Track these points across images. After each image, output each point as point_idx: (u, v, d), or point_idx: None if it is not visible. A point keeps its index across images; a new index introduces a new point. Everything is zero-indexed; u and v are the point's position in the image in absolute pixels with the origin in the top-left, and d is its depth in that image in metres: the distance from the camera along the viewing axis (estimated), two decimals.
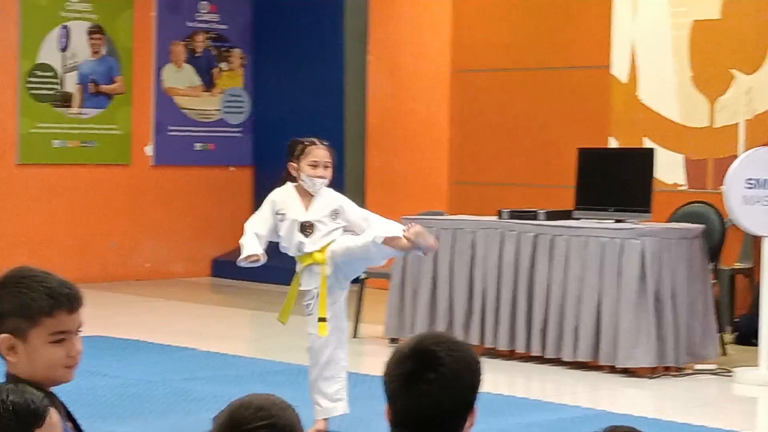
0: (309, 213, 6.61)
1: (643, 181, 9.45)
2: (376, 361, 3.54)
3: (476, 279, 9.50)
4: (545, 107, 12.17)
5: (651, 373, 8.82)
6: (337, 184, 14.07)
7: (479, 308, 9.46)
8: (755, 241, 9.64)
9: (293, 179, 6.77)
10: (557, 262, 9.11)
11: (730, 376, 8.85)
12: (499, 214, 9.64)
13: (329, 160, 7.13)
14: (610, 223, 9.15)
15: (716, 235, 9.87)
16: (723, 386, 8.78)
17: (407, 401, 3.08)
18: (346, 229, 6.84)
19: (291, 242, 6.70)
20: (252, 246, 6.68)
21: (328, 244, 6.73)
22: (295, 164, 6.65)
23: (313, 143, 6.65)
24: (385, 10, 13.36)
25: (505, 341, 9.29)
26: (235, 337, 10.93)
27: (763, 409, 8.45)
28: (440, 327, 9.35)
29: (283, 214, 6.69)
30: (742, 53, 10.95)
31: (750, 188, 8.74)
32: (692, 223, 9.54)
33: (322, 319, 6.79)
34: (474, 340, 9.36)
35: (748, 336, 9.72)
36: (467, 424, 3.11)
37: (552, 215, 9.44)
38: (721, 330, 9.60)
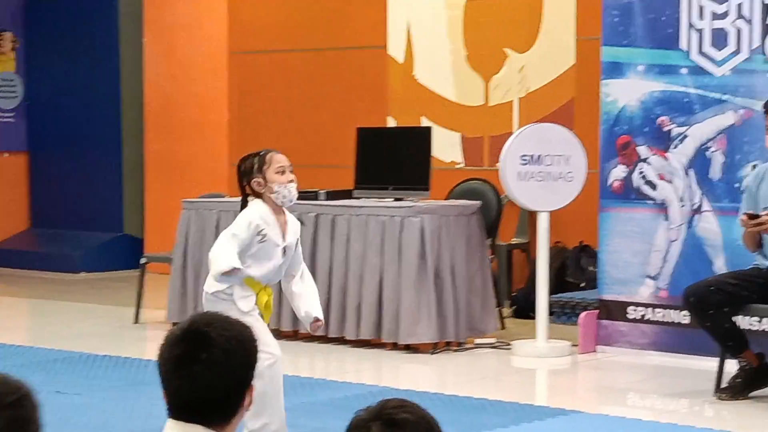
0: (287, 237, 6.05)
1: (421, 160, 9.52)
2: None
3: None
4: (324, 88, 12.25)
5: (433, 348, 8.92)
6: (114, 171, 14.18)
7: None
8: (530, 216, 9.89)
9: (257, 197, 6.10)
10: (339, 242, 9.16)
11: (509, 349, 9.00)
12: None
13: (290, 162, 6.78)
14: (389, 202, 9.24)
15: (493, 211, 10.03)
16: (502, 359, 8.86)
17: (179, 383, 3.09)
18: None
19: (265, 266, 6.02)
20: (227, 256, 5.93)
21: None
22: (259, 179, 6.00)
23: (268, 151, 6.12)
24: None
25: (288, 322, 9.24)
26: (13, 326, 10.63)
27: (541, 380, 8.57)
28: None
29: (264, 234, 6.01)
30: (514, 32, 11.16)
31: (524, 164, 8.87)
32: (470, 199, 9.69)
33: None
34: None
35: (525, 310, 9.97)
36: (245, 402, 3.13)
37: (332, 195, 9.50)
38: (499, 304, 9.75)
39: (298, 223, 6.25)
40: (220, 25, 12.93)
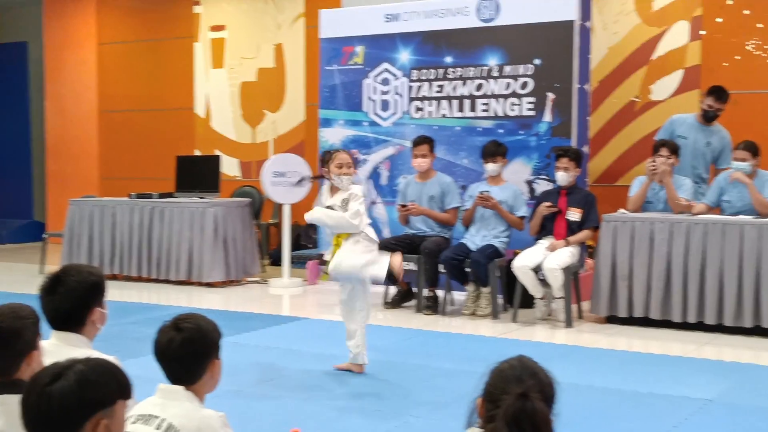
0: (331, 200, 5.36)
1: (215, 174, 9.37)
2: None
3: (117, 236, 9.33)
4: (158, 132, 11.91)
5: (223, 284, 8.89)
6: (26, 180, 13.57)
7: (122, 252, 9.30)
8: (280, 207, 9.89)
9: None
10: (165, 224, 9.04)
11: (267, 283, 9.03)
12: (129, 195, 9.53)
13: (350, 161, 6.35)
14: (196, 199, 9.11)
15: (257, 204, 10.13)
16: (263, 289, 8.78)
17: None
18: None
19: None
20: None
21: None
22: (326, 168, 5.38)
23: (337, 150, 5.46)
24: None
25: (136, 268, 9.17)
26: None
27: (285, 301, 8.27)
28: (103, 260, 9.06)
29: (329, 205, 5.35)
30: (269, 100, 11.06)
31: (275, 177, 8.92)
32: (244, 198, 9.61)
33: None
34: (116, 270, 9.27)
35: (277, 261, 9.90)
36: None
37: (162, 195, 9.37)
38: (262, 257, 9.77)
39: (351, 190, 5.33)
40: (92, 92, 12.54)
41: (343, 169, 5.32)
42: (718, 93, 7.51)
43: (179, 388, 2.47)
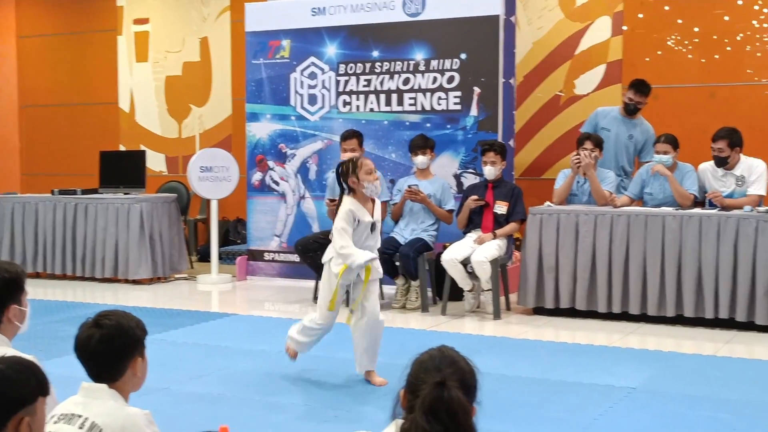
0: (374, 216, 4.91)
1: (140, 169, 9.26)
2: None
3: (40, 234, 9.21)
4: (82, 126, 11.77)
5: (150, 281, 8.84)
6: None
7: (45, 250, 9.19)
8: (207, 202, 9.76)
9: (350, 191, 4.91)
10: (89, 220, 8.97)
11: (195, 279, 9.04)
12: (52, 191, 9.38)
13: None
14: (121, 195, 9.02)
15: (185, 200, 10.00)
16: (191, 286, 8.76)
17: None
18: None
19: (359, 244, 4.87)
20: (364, 253, 4.83)
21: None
22: (354, 179, 4.85)
23: (359, 158, 4.97)
24: None
25: (60, 266, 9.04)
26: None
27: (214, 297, 8.28)
28: (26, 258, 8.75)
29: (358, 220, 4.82)
30: (195, 95, 10.94)
31: (202, 172, 8.86)
32: (171, 194, 9.48)
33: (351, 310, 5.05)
34: (39, 268, 9.17)
35: (205, 257, 9.87)
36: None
37: (86, 191, 9.28)
38: (190, 254, 9.72)
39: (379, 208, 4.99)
40: (12, 87, 12.30)
41: (372, 175, 4.88)
42: (639, 86, 7.66)
43: (102, 387, 2.43)
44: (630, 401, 4.67)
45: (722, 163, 6.84)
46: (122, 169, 9.50)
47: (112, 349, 2.44)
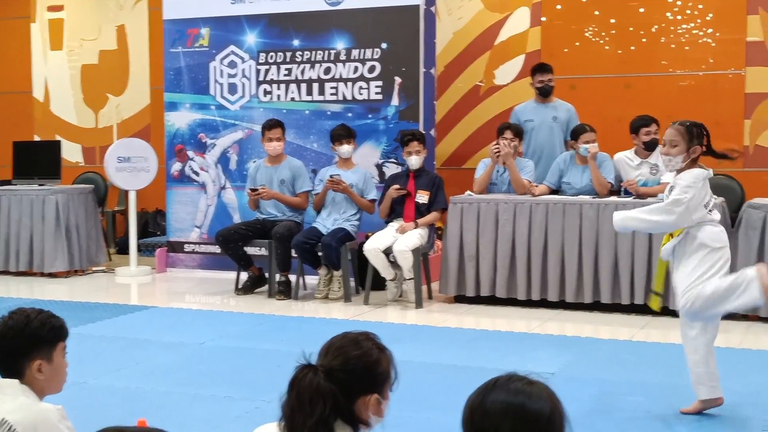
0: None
1: (55, 160, 9.04)
2: None
3: None
4: None
5: (67, 274, 8.71)
6: None
7: None
8: (125, 193, 9.56)
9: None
10: (4, 213, 8.83)
11: (113, 272, 8.88)
12: None
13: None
14: (36, 186, 8.86)
15: (102, 191, 9.81)
16: (110, 279, 8.64)
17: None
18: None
19: None
20: None
21: None
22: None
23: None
24: None
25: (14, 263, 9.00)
26: None
27: (134, 290, 8.15)
28: None
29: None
30: (112, 84, 10.76)
31: (120, 162, 8.75)
32: (88, 185, 9.32)
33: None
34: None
35: (124, 249, 9.81)
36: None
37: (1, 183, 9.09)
38: (108, 246, 9.61)
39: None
40: None
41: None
42: (540, 67, 7.90)
43: (14, 382, 2.35)
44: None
45: (653, 146, 6.92)
46: (37, 160, 9.33)
47: (4, 348, 2.37)
